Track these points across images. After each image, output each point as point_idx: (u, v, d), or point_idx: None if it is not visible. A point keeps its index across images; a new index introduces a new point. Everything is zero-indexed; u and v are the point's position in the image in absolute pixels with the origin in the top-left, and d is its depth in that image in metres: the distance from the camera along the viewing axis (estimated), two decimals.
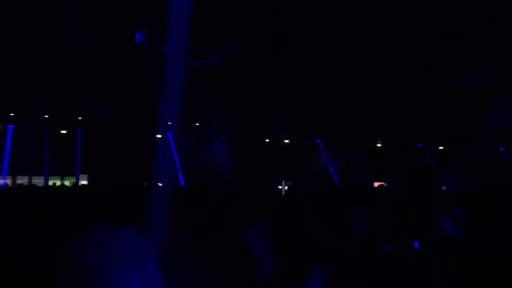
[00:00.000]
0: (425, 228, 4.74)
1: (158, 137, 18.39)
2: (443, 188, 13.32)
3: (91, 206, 5.77)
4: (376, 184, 14.76)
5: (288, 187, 18.33)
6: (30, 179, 16.95)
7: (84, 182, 17.36)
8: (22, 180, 16.80)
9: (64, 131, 17.28)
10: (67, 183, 17.17)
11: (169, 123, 18.06)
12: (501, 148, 19.33)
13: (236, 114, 15.44)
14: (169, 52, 13.19)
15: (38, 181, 16.63)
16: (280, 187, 17.47)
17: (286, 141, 19.93)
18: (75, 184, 15.19)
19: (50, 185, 14.19)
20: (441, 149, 19.86)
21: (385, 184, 13.12)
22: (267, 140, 18.76)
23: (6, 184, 15.43)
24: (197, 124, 18.26)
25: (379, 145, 20.79)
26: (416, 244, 4.60)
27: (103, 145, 16.60)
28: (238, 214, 4.77)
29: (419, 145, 19.37)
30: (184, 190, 9.52)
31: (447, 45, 14.76)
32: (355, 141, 20.20)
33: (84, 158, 16.89)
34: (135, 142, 16.98)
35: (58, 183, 15.96)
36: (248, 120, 16.21)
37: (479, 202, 5.96)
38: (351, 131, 19.82)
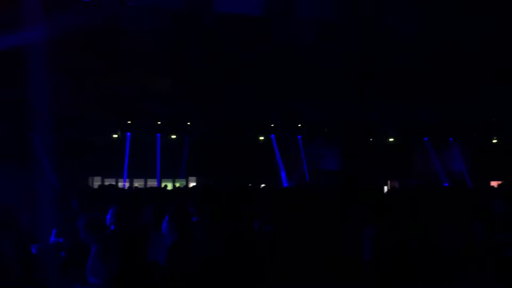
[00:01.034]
0: None
1: (261, 139, 18.91)
2: None
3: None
4: (494, 184, 13.67)
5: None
6: (145, 182, 18.22)
7: (193, 184, 18.29)
8: (138, 183, 18.18)
9: (174, 136, 18.30)
10: (177, 185, 18.25)
11: (272, 125, 18.51)
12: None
13: (340, 114, 15.22)
14: None
15: (152, 183, 17.85)
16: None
17: (391, 139, 19.33)
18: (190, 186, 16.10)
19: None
20: None
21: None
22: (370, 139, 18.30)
23: (127, 187, 16.76)
24: (300, 125, 18.33)
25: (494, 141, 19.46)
26: None
27: (210, 148, 17.33)
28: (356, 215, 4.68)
29: None
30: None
31: None
32: (466, 139, 19.07)
33: (193, 161, 17.67)
34: (238, 145, 17.57)
35: (169, 185, 17.02)
36: (351, 120, 15.90)
37: None
38: (463, 128, 18.73)
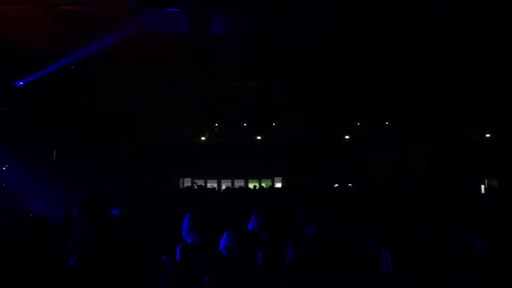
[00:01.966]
0: None
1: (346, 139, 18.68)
2: None
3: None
4: None
5: None
6: (232, 182, 18.66)
7: (279, 185, 18.47)
8: (225, 183, 18.72)
9: (259, 137, 18.58)
10: (264, 185, 18.51)
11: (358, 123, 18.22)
12: None
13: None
14: None
15: (239, 183, 18.24)
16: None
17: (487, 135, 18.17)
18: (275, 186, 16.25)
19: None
20: None
21: None
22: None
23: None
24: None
25: None
26: None
27: (296, 148, 17.38)
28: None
29: None
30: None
31: None
32: None
33: (279, 162, 17.79)
34: (325, 145, 17.44)
35: (256, 186, 17.31)
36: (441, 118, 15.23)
37: None
38: None
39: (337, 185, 14.19)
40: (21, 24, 12.91)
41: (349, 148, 18.29)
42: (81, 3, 12.42)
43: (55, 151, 15.47)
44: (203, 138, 18.80)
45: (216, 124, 17.93)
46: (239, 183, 18.21)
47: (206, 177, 18.60)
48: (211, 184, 18.68)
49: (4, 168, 15.95)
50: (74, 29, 13.02)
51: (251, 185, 16.98)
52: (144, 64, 13.98)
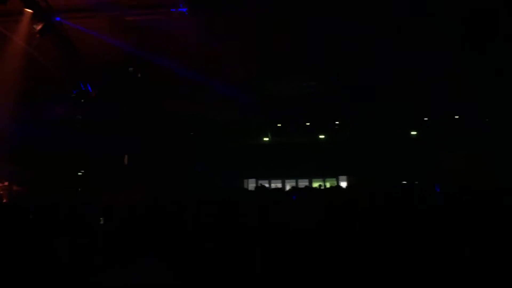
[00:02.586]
0: None
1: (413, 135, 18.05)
2: None
3: None
4: None
5: None
6: (296, 182, 18.60)
7: (343, 184, 18.18)
8: (290, 183, 18.68)
9: (322, 136, 18.43)
10: (328, 184, 18.30)
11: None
12: None
13: None
14: None
15: (304, 183, 18.16)
16: None
17: None
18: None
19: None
20: None
21: None
22: None
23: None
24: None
25: None
26: None
27: (361, 147, 17.08)
28: None
29: None
30: None
31: None
32: None
33: (343, 161, 17.53)
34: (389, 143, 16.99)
35: (322, 185, 17.15)
36: None
37: None
38: None
39: (404, 182, 13.82)
40: (91, 36, 13.65)
41: (417, 145, 17.68)
42: (145, 13, 12.88)
43: (126, 155, 16.20)
44: (266, 139, 18.92)
45: (279, 125, 17.98)
46: (303, 183, 18.13)
47: (270, 177, 18.69)
48: (275, 184, 18.75)
49: (79, 174, 16.96)
50: (139, 38, 13.54)
51: (315, 185, 16.86)
52: (208, 67, 14.29)
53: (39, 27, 12.42)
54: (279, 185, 18.68)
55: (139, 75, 15.06)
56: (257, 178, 18.91)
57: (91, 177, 15.68)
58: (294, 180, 18.77)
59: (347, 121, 17.55)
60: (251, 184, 19.09)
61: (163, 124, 15.95)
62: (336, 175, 18.70)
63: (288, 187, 18.22)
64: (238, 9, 12.34)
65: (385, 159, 16.45)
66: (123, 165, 16.18)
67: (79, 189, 14.53)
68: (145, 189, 11.91)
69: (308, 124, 17.76)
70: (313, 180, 18.22)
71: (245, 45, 13.26)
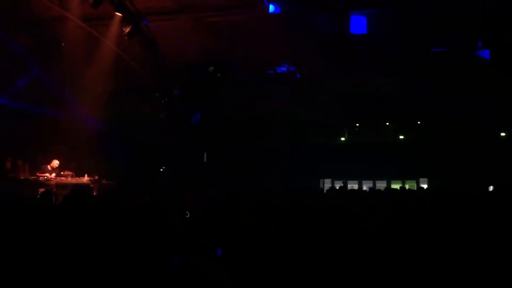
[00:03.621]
0: None
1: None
2: None
3: None
4: None
5: None
6: (374, 183, 18.17)
7: (424, 186, 17.48)
8: (367, 184, 18.29)
9: (402, 137, 17.85)
10: (407, 186, 17.69)
11: None
12: None
13: None
14: None
15: (381, 185, 17.72)
16: None
17: None
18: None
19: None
20: None
21: None
22: None
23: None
24: None
25: None
26: None
27: (442, 148, 16.36)
28: None
29: None
30: None
31: None
32: None
33: (424, 162, 16.85)
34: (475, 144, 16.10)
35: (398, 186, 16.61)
36: None
37: None
38: None
39: (492, 187, 13.00)
40: (175, 37, 14.19)
41: (506, 145, 16.60)
42: (227, 14, 13.17)
43: (205, 153, 16.66)
44: (342, 139, 18.65)
45: (357, 124, 17.65)
46: (381, 184, 17.69)
47: (347, 177, 18.39)
48: (352, 185, 18.42)
49: (161, 170, 17.67)
50: (221, 38, 13.86)
51: (395, 186, 16.34)
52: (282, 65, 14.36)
53: (127, 29, 13.10)
54: (355, 186, 18.34)
55: (219, 75, 15.42)
56: (333, 178, 18.69)
57: (173, 173, 16.29)
58: (371, 181, 18.36)
59: (430, 121, 16.82)
60: (326, 185, 18.90)
61: (242, 123, 16.21)
62: (416, 177, 18.03)
63: (364, 188, 17.87)
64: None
65: (470, 161, 15.60)
66: (203, 162, 16.65)
67: (162, 184, 15.13)
68: (224, 186, 12.18)
69: (387, 124, 17.27)
70: (392, 181, 17.70)
71: (324, 42, 13.16)
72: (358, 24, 13.16)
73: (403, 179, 17.91)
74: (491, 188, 12.15)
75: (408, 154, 16.80)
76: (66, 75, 13.87)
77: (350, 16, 12.73)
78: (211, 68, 15.05)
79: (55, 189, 11.86)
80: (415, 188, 16.61)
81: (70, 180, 12.70)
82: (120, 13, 12.81)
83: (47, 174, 12.57)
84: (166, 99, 15.31)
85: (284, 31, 12.26)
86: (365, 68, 13.72)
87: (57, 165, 12.87)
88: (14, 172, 12.67)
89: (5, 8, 11.87)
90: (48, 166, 12.76)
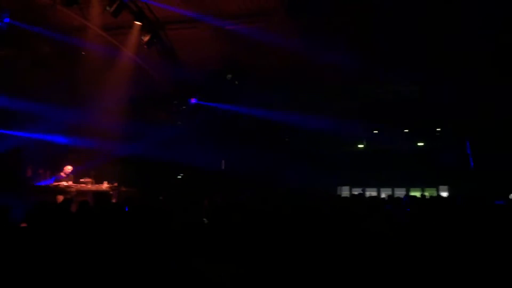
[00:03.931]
0: None
1: None
2: None
3: None
4: None
5: None
6: (393, 191, 17.99)
7: (445, 194, 17.25)
8: (385, 192, 18.12)
9: (422, 144, 17.67)
10: (427, 194, 17.47)
11: None
12: None
13: None
14: None
15: (400, 193, 17.52)
16: None
17: None
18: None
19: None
20: None
21: None
22: None
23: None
24: None
25: None
26: None
27: (462, 155, 16.13)
28: None
29: None
30: None
31: None
32: None
33: (444, 170, 16.63)
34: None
35: (418, 194, 16.40)
36: None
37: None
38: None
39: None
40: (193, 45, 14.29)
41: None
42: (245, 22, 13.21)
43: (223, 160, 16.71)
44: (360, 146, 18.53)
45: (375, 131, 17.51)
46: (400, 192, 17.53)
47: (365, 185, 18.26)
48: (370, 192, 18.27)
49: (179, 177, 17.76)
50: (238, 46, 13.91)
51: (414, 194, 16.15)
52: (303, 74, 14.33)
53: (146, 38, 13.23)
54: (374, 193, 18.18)
55: (236, 82, 15.47)
56: (351, 185, 18.58)
57: (190, 180, 16.36)
58: (390, 189, 18.21)
59: (450, 128, 16.60)
60: (344, 192, 18.80)
61: (259, 129, 16.22)
62: (436, 185, 17.82)
63: (383, 196, 17.70)
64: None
65: (491, 169, 15.32)
66: (220, 170, 16.69)
67: (180, 191, 15.20)
68: (241, 193, 12.18)
69: (406, 131, 17.10)
70: (411, 189, 17.52)
71: (343, 49, 13.08)
72: None
73: (422, 186, 17.72)
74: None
75: (428, 162, 16.60)
76: (86, 83, 14.06)
77: None
78: (229, 75, 15.11)
79: (75, 196, 12.01)
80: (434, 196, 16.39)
81: (90, 187, 12.81)
82: (139, 22, 12.96)
83: (64, 182, 12.66)
84: (184, 107, 15.41)
85: (303, 38, 12.24)
86: (384, 74, 13.60)
87: (70, 171, 12.96)
88: (35, 180, 12.85)
89: (29, 19, 12.11)
90: (62, 173, 12.87)
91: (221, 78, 15.13)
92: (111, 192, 12.94)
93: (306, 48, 12.37)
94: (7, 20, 11.26)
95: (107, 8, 11.84)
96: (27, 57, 13.05)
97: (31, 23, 12.36)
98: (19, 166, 13.20)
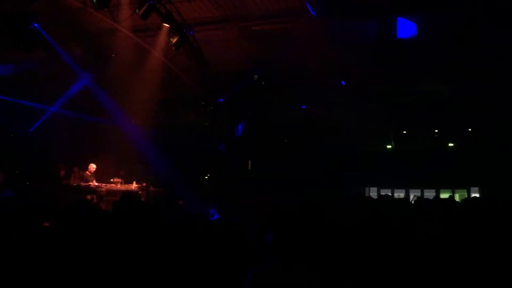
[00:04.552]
0: None
1: None
2: None
3: None
4: None
5: None
6: (422, 192, 17.69)
7: (476, 195, 16.84)
8: (414, 193, 17.81)
9: (452, 144, 17.33)
10: (457, 196, 17.11)
11: None
12: None
13: None
14: None
15: (429, 194, 17.20)
16: None
17: None
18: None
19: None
20: None
21: None
22: None
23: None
24: None
25: None
26: None
27: (494, 156, 15.71)
28: None
29: None
30: None
31: None
32: None
33: (475, 171, 16.24)
34: None
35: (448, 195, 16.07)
36: None
37: None
38: None
39: None
40: (220, 46, 14.37)
41: None
42: (272, 22, 13.21)
43: (250, 161, 16.73)
44: (389, 146, 18.28)
45: (404, 132, 17.25)
46: (429, 193, 17.20)
47: (393, 186, 18.02)
48: (398, 194, 18.02)
49: (206, 177, 17.88)
50: (265, 46, 13.91)
51: (444, 195, 15.85)
52: (331, 73, 14.23)
53: (174, 40, 13.36)
54: (402, 195, 17.91)
55: (263, 83, 15.48)
56: (379, 186, 18.35)
57: (217, 181, 16.44)
58: (419, 190, 17.91)
59: (481, 129, 16.21)
60: (372, 193, 18.57)
61: (286, 131, 16.21)
62: (467, 186, 17.43)
63: (412, 197, 17.41)
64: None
65: None
66: (247, 169, 16.73)
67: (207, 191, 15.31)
68: (273, 192, 12.16)
69: (436, 131, 16.78)
70: (441, 190, 17.19)
71: (370, 48, 12.94)
72: (406, 28, 12.88)
73: (452, 188, 17.38)
74: None
75: (458, 162, 16.27)
76: (116, 84, 14.31)
77: (397, 20, 12.48)
78: (256, 76, 15.14)
79: (105, 196, 12.25)
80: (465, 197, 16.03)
81: (119, 187, 13.04)
82: (167, 24, 13.09)
83: (90, 182, 12.86)
84: (211, 108, 15.51)
85: (329, 39, 12.16)
86: (413, 74, 13.40)
87: (94, 169, 13.18)
88: (68, 179, 13.14)
89: (61, 22, 12.40)
90: (87, 172, 13.11)
91: (248, 78, 15.17)
92: (140, 192, 13.14)
93: (333, 47, 12.28)
94: (36, 24, 11.52)
95: (136, 11, 11.99)
96: (58, 60, 13.34)
97: (62, 26, 12.66)
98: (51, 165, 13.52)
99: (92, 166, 13.12)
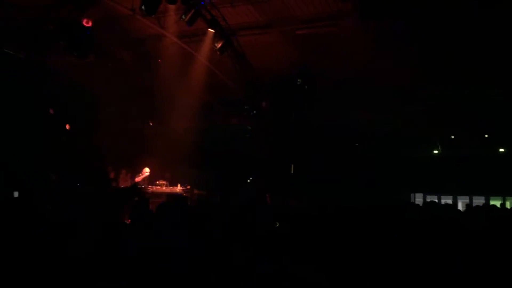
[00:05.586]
0: None
1: None
2: None
3: None
4: None
5: None
6: (471, 200, 17.11)
7: None
8: (462, 200, 17.28)
9: (502, 150, 16.65)
10: (508, 203, 16.45)
11: None
12: None
13: None
14: None
15: (479, 201, 16.60)
16: None
17: None
18: None
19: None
20: None
21: None
22: None
23: None
24: None
25: None
26: None
27: None
28: None
29: None
30: None
31: None
32: None
33: None
34: None
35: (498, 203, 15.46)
36: None
37: None
38: None
39: None
40: (264, 51, 14.46)
41: None
42: (316, 26, 13.18)
43: (292, 165, 16.70)
44: (435, 151, 17.78)
45: (452, 136, 16.74)
46: (478, 201, 16.60)
47: (440, 192, 17.50)
48: (445, 200, 17.48)
49: (248, 181, 17.98)
50: (308, 49, 13.88)
51: (494, 203, 15.25)
52: (375, 77, 14.02)
53: (219, 45, 13.56)
54: (449, 201, 17.37)
55: (306, 87, 15.44)
56: (425, 193, 17.87)
57: (259, 184, 16.51)
58: (467, 197, 17.33)
59: None
60: (418, 199, 18.11)
61: (329, 135, 16.07)
62: None
63: (460, 205, 16.88)
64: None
65: None
66: (290, 173, 16.70)
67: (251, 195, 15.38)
68: (311, 197, 12.10)
69: (486, 136, 16.18)
70: (491, 197, 16.55)
71: (415, 51, 12.68)
72: None
73: (503, 195, 16.72)
74: None
75: (510, 168, 15.61)
76: (162, 89, 14.64)
77: None
78: (299, 80, 15.13)
79: (150, 198, 12.53)
80: None
81: (164, 189, 13.32)
82: (212, 29, 13.31)
83: (143, 185, 13.21)
84: (254, 112, 15.61)
85: (374, 41, 12.00)
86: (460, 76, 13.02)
87: (148, 173, 13.51)
88: (117, 181, 13.55)
89: (109, 28, 12.82)
90: (140, 175, 13.46)
91: (291, 83, 15.18)
92: (184, 195, 13.37)
93: (378, 50, 12.11)
94: (88, 32, 11.94)
95: (183, 17, 12.25)
96: (107, 65, 13.79)
97: (112, 32, 13.09)
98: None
99: (146, 170, 13.50)
